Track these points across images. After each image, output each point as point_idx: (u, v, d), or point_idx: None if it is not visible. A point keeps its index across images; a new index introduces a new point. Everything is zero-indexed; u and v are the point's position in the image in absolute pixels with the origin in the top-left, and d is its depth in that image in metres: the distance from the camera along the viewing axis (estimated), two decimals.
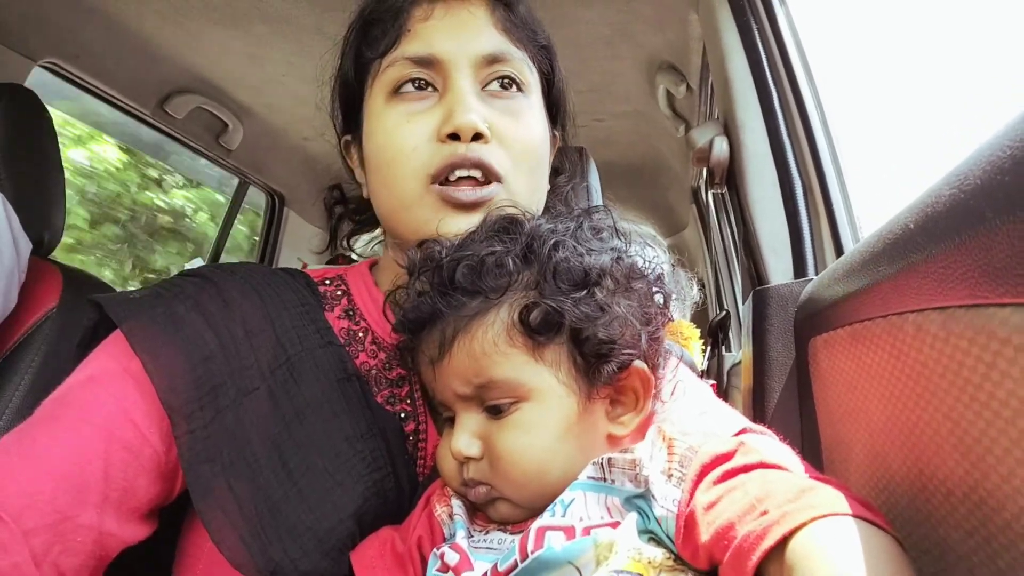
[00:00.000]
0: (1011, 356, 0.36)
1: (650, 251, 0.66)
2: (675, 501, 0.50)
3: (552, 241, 0.60)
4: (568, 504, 0.54)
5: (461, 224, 0.68)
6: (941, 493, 0.47)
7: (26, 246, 1.10)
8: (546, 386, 0.57)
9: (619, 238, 0.65)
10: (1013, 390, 0.36)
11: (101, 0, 1.69)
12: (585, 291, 0.58)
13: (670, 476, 0.52)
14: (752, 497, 0.45)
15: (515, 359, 0.57)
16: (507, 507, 0.58)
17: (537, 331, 0.56)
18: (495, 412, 0.57)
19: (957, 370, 0.43)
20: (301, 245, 2.81)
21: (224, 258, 2.78)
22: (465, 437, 0.58)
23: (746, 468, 0.49)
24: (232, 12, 1.76)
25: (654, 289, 0.64)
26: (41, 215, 1.20)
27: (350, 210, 0.91)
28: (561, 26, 1.75)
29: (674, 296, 0.66)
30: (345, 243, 0.93)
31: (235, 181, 2.66)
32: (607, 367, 0.58)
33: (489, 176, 0.71)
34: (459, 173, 0.70)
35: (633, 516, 0.51)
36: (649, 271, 0.64)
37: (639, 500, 0.53)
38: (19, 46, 1.63)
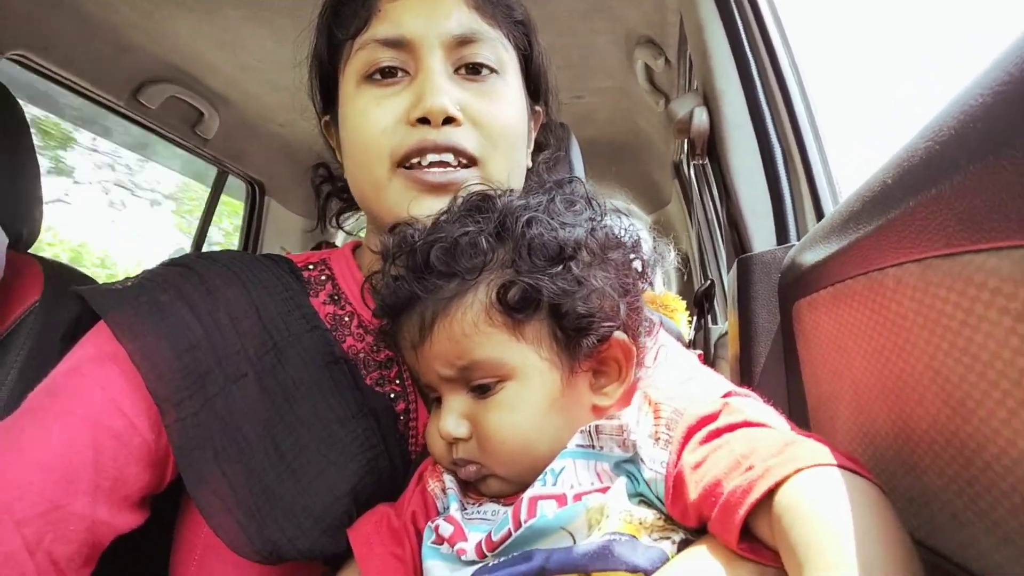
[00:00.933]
0: (987, 299, 0.37)
1: (625, 219, 0.66)
2: (663, 463, 0.51)
3: (525, 217, 0.59)
4: (558, 473, 0.54)
5: (432, 206, 0.68)
6: (925, 442, 0.48)
7: (2, 240, 1.08)
8: (529, 364, 0.57)
9: (593, 208, 0.65)
10: (990, 332, 0.37)
11: None
12: (561, 265, 0.58)
13: (657, 439, 0.53)
14: (737, 454, 0.46)
15: (496, 339, 0.57)
16: (497, 483, 0.59)
17: (516, 309, 0.56)
18: (480, 392, 0.58)
19: (936, 318, 0.44)
20: (283, 233, 2.79)
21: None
22: (452, 418, 0.58)
23: (731, 427, 0.50)
24: None
25: (631, 256, 0.64)
26: (17, 210, 1.18)
27: (338, 188, 0.91)
28: (537, 2, 1.73)
29: (651, 261, 0.66)
30: (334, 221, 0.93)
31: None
32: (588, 340, 0.58)
33: (463, 159, 0.71)
34: (431, 157, 0.70)
35: (622, 480, 0.52)
36: (625, 237, 0.64)
37: (628, 464, 0.53)
38: None
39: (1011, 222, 0.34)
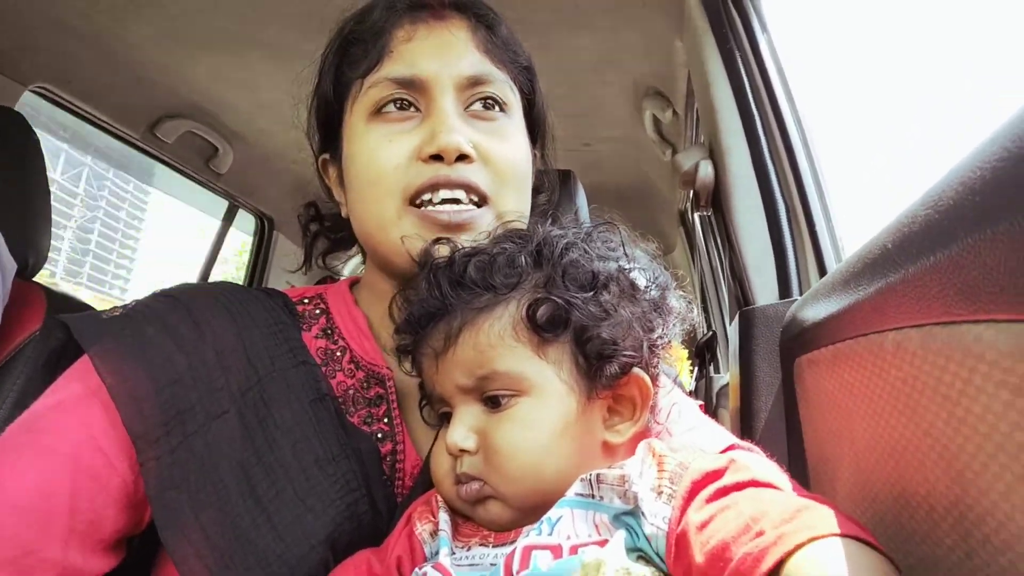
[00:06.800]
0: (986, 371, 0.37)
1: (656, 269, 0.67)
2: (665, 519, 0.49)
3: (563, 243, 0.62)
4: (555, 522, 0.53)
5: (445, 247, 0.67)
6: (924, 509, 0.48)
7: (11, 267, 1.09)
8: (547, 382, 0.58)
9: (625, 255, 0.66)
10: (988, 404, 0.37)
11: (93, 25, 1.71)
12: (592, 292, 0.59)
13: (660, 493, 0.51)
14: (747, 517, 0.45)
15: (519, 353, 0.58)
16: (497, 507, 0.57)
17: (543, 327, 0.57)
18: (494, 404, 0.58)
19: (935, 386, 0.43)
20: (290, 268, 2.80)
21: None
22: (462, 430, 0.58)
23: (739, 486, 0.48)
24: (225, 39, 1.78)
25: (657, 303, 0.65)
26: (26, 237, 1.20)
27: (326, 227, 0.91)
28: (549, 52, 1.78)
29: (676, 314, 0.66)
30: (320, 261, 0.92)
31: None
32: (609, 368, 0.58)
33: (474, 196, 0.71)
34: (443, 194, 0.70)
35: (621, 534, 0.51)
36: (653, 286, 0.65)
37: (628, 517, 0.52)
38: (10, 70, 1.64)
39: (1008, 295, 0.34)
